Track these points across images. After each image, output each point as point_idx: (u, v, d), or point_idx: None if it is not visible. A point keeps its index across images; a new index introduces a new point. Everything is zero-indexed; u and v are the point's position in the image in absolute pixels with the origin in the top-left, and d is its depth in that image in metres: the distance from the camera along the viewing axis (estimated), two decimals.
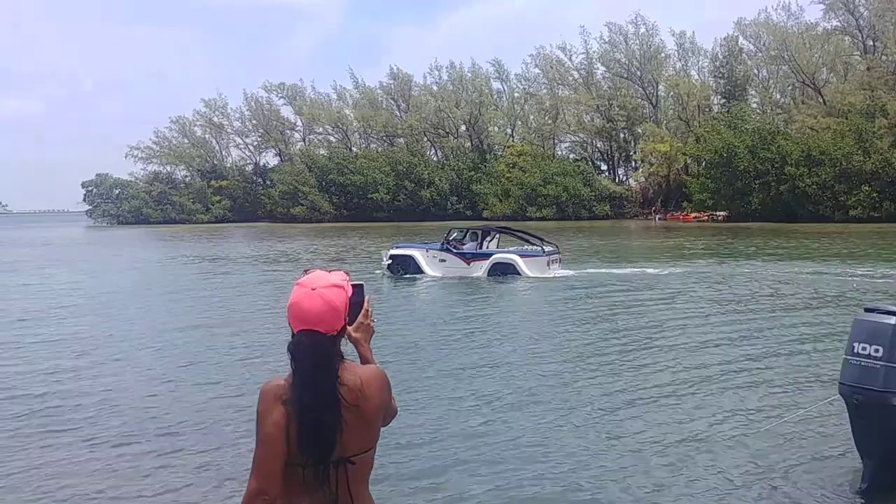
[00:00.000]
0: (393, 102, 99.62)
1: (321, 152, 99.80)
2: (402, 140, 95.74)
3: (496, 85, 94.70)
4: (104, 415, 9.03)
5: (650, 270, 25.84)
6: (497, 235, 26.92)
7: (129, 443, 8.01)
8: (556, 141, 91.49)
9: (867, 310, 6.02)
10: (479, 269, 24.71)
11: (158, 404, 9.48)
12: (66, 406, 9.44)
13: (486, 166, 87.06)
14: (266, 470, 2.33)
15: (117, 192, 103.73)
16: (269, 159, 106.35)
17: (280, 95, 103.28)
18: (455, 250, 25.50)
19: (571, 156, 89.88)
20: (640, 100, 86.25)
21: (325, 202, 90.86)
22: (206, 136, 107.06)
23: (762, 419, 8.20)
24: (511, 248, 26.31)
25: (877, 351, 5.72)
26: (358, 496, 2.46)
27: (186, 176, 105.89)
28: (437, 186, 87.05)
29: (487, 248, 25.95)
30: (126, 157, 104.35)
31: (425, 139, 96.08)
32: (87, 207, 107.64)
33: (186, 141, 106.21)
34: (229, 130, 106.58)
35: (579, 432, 8.02)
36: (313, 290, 2.43)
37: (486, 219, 79.55)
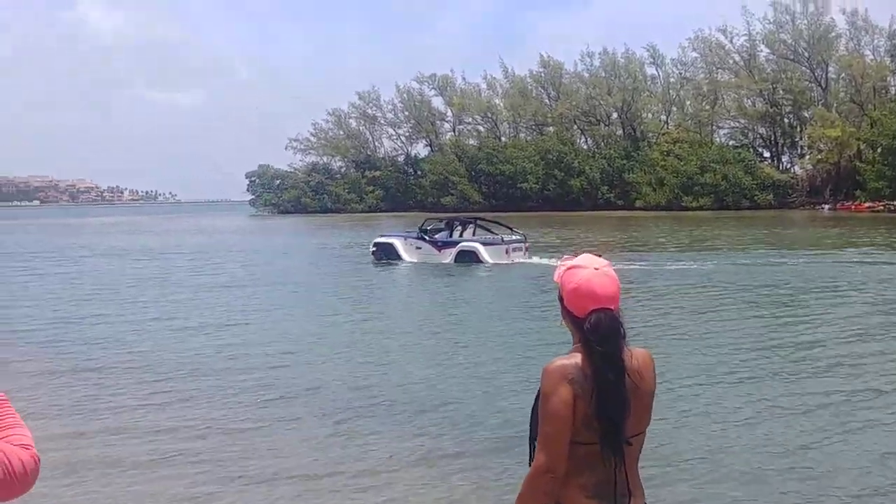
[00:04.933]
0: (543, 91, 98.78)
1: (471, 142, 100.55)
2: (551, 128, 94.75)
3: (650, 70, 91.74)
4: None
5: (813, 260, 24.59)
6: (472, 225, 28.99)
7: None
8: (714, 127, 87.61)
9: None
10: (448, 256, 26.96)
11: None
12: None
13: (639, 154, 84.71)
14: (554, 447, 2.37)
15: (278, 182, 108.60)
16: (420, 149, 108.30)
17: (431, 86, 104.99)
18: (429, 239, 27.76)
19: (731, 142, 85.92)
20: (807, 82, 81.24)
21: (475, 192, 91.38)
22: (361, 127, 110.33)
23: None
24: (478, 237, 28.18)
25: None
26: (632, 476, 2.49)
27: (342, 166, 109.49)
28: (588, 175, 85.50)
29: (462, 236, 28.14)
30: (286, 148, 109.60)
31: (575, 127, 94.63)
32: (250, 197, 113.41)
33: (342, 133, 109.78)
34: (382, 122, 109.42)
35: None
36: (597, 269, 2.46)
37: (639, 208, 77.75)
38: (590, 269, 2.45)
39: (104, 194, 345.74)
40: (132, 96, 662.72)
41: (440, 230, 28.67)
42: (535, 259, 26.51)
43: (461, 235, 28.32)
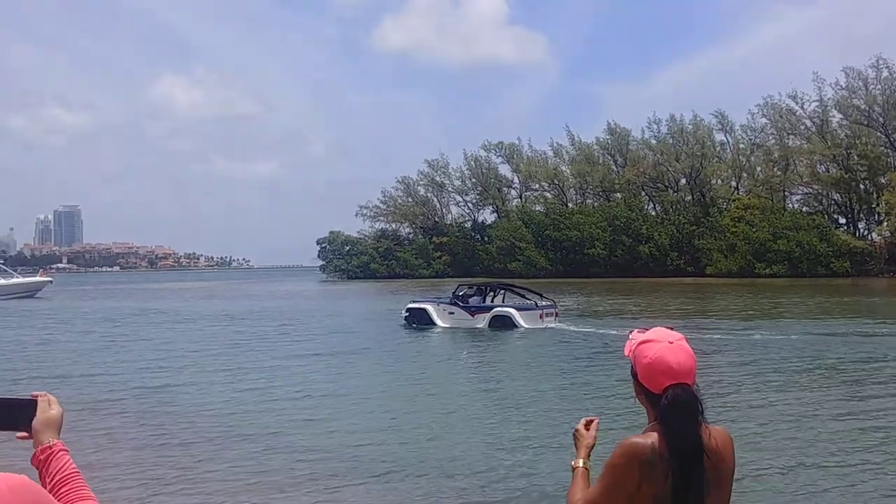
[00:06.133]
0: (610, 158, 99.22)
1: (537, 208, 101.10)
2: (619, 195, 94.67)
3: (719, 137, 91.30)
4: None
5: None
6: (502, 291, 29.41)
7: None
8: (786, 193, 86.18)
9: None
10: (482, 321, 27.29)
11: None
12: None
13: (709, 220, 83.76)
14: None
15: (347, 248, 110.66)
16: (487, 216, 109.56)
17: (498, 154, 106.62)
18: (462, 304, 28.14)
19: (804, 208, 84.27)
20: (882, 148, 79.51)
21: (542, 257, 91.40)
22: (429, 194, 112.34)
23: None
24: (510, 303, 28.62)
25: None
26: None
27: (410, 233, 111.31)
28: (657, 241, 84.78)
29: (492, 302, 28.59)
30: (356, 215, 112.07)
31: (643, 193, 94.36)
32: (320, 263, 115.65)
33: (411, 200, 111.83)
34: (450, 189, 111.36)
35: None
36: (671, 343, 2.35)
37: (710, 275, 76.46)
38: (664, 343, 2.35)
39: (181, 260, 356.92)
40: (209, 168, 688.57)
41: (472, 296, 29.09)
42: (565, 325, 27.02)
43: (492, 301, 28.80)
